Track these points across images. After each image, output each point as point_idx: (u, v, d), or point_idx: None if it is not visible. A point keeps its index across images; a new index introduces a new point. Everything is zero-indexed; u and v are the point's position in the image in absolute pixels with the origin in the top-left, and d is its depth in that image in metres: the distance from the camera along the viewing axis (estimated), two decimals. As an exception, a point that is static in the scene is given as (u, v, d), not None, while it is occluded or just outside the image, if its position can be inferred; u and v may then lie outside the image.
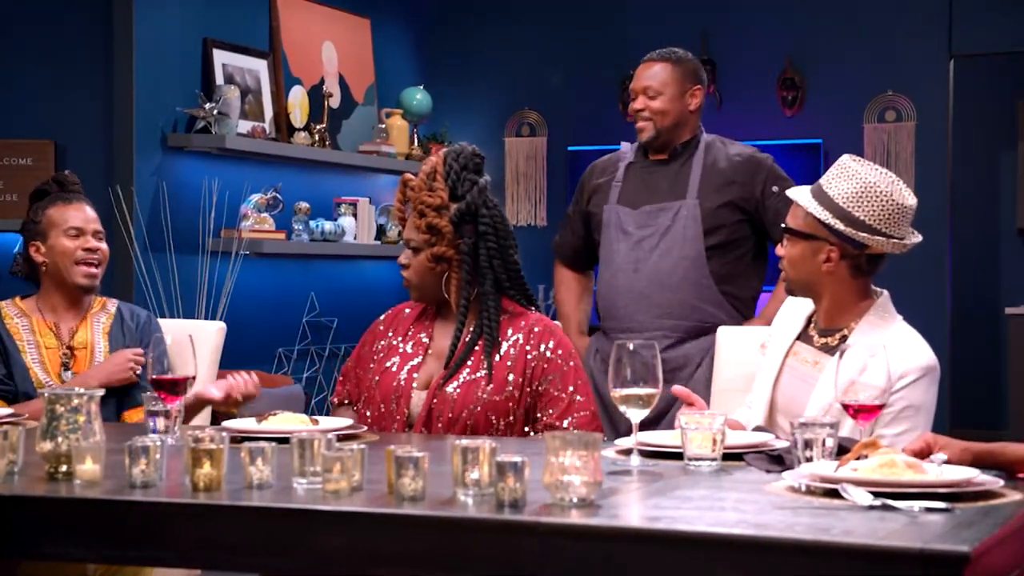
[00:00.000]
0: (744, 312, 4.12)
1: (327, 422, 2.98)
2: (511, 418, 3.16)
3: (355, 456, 2.27)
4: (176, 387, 2.84)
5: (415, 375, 3.23)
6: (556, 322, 3.48)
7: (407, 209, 3.29)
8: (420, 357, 3.26)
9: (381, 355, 3.30)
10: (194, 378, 2.89)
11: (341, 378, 3.40)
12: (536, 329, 3.22)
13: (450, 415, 3.14)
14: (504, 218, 3.27)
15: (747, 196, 4.09)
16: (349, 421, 3.05)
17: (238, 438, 2.71)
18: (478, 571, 2.09)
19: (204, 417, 3.61)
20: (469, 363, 3.19)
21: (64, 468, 2.43)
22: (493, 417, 3.15)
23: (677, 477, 2.44)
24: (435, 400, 3.16)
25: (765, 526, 2.01)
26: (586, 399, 3.19)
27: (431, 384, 3.20)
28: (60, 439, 2.43)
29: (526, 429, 3.19)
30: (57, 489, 2.37)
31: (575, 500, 2.12)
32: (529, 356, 3.19)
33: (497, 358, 3.18)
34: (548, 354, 3.19)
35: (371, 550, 2.15)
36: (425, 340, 3.29)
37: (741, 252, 4.13)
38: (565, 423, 3.15)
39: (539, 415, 3.17)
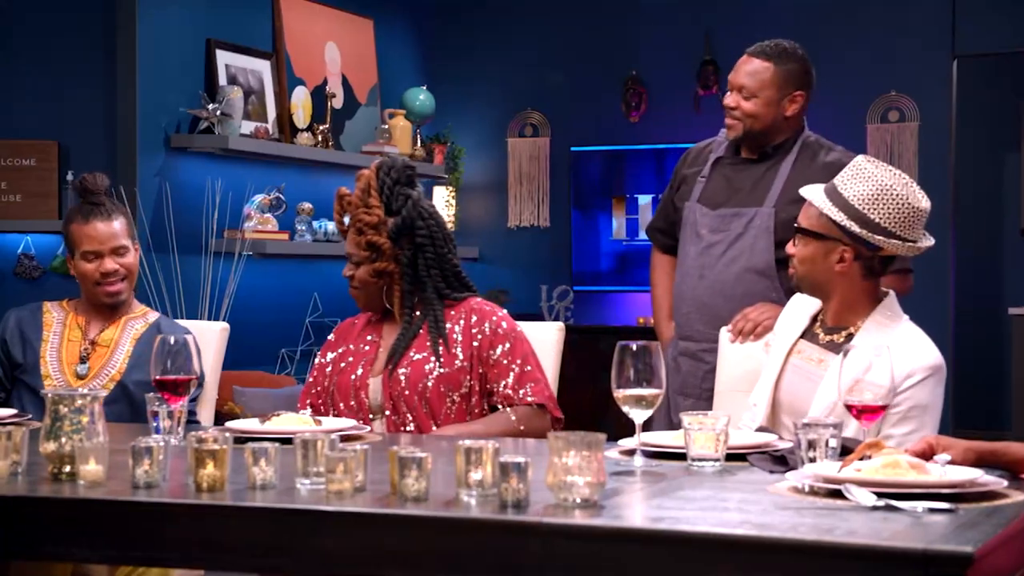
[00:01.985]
0: None
1: (330, 423, 2.99)
2: (465, 390, 3.25)
3: (358, 456, 2.27)
4: (179, 387, 2.84)
5: (370, 368, 3.32)
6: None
7: (346, 223, 3.37)
8: (373, 355, 3.35)
9: (334, 364, 3.38)
10: (197, 379, 2.88)
11: (303, 394, 3.44)
12: (477, 308, 3.33)
13: (406, 392, 3.22)
14: (440, 224, 3.35)
15: None
16: (352, 422, 3.07)
17: (242, 439, 2.71)
18: (481, 572, 2.09)
19: (208, 418, 3.61)
20: (415, 346, 3.29)
21: (67, 469, 2.43)
22: (445, 389, 3.23)
23: (680, 478, 2.44)
24: (389, 383, 3.25)
25: (768, 527, 2.01)
26: (535, 369, 3.28)
27: (383, 371, 3.29)
28: (63, 440, 2.43)
29: (486, 406, 3.27)
30: (60, 490, 2.37)
31: (578, 501, 2.12)
32: (474, 331, 3.29)
33: (441, 341, 3.28)
34: (495, 328, 3.29)
35: (374, 551, 2.15)
36: (376, 340, 3.38)
37: None
38: (521, 392, 3.23)
39: (493, 386, 3.26)
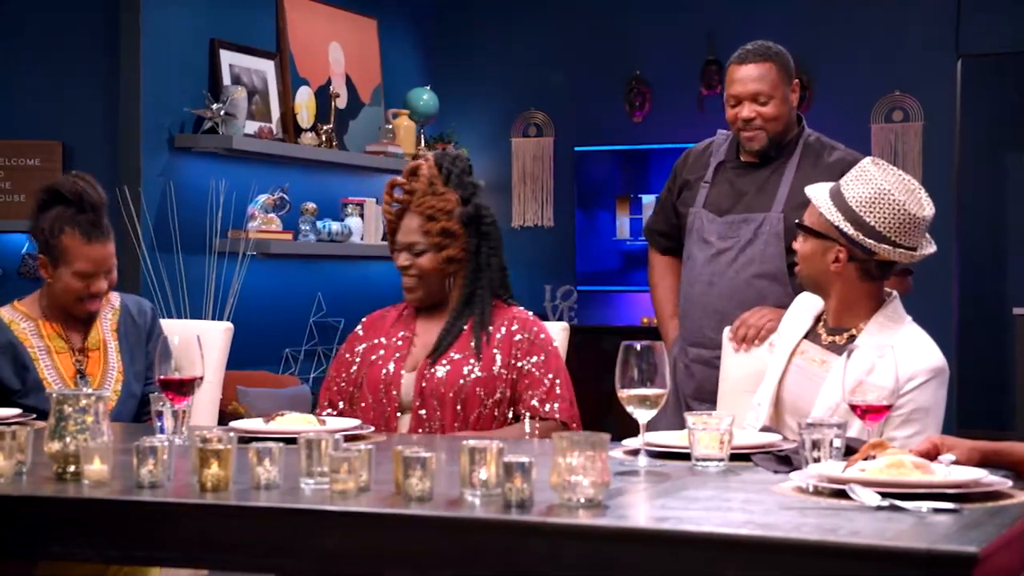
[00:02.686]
0: None
1: (334, 422, 2.99)
2: (498, 396, 3.24)
3: (362, 456, 2.27)
4: (183, 387, 2.84)
5: (403, 362, 3.30)
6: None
7: (401, 210, 3.34)
8: (406, 349, 3.33)
9: (364, 356, 3.35)
10: (201, 378, 2.88)
11: (324, 390, 3.42)
12: (521, 316, 3.33)
13: (441, 390, 3.21)
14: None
15: None
16: (356, 422, 3.06)
17: (246, 438, 2.71)
18: (485, 571, 2.09)
19: (211, 417, 3.61)
20: (456, 346, 3.28)
21: (72, 468, 2.43)
22: (481, 393, 3.22)
23: (684, 477, 2.44)
24: (425, 379, 3.23)
25: (772, 527, 2.01)
26: (565, 388, 3.28)
27: (419, 366, 3.27)
28: (68, 439, 2.43)
29: (511, 414, 3.26)
30: (65, 489, 2.37)
31: (582, 501, 2.12)
32: (516, 338, 3.28)
33: (484, 341, 3.27)
34: (534, 338, 3.29)
35: (378, 550, 2.15)
36: (409, 335, 3.36)
37: None
38: (547, 407, 3.23)
39: (522, 395, 3.25)
